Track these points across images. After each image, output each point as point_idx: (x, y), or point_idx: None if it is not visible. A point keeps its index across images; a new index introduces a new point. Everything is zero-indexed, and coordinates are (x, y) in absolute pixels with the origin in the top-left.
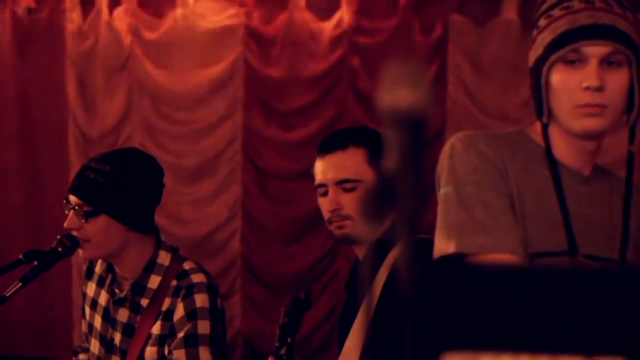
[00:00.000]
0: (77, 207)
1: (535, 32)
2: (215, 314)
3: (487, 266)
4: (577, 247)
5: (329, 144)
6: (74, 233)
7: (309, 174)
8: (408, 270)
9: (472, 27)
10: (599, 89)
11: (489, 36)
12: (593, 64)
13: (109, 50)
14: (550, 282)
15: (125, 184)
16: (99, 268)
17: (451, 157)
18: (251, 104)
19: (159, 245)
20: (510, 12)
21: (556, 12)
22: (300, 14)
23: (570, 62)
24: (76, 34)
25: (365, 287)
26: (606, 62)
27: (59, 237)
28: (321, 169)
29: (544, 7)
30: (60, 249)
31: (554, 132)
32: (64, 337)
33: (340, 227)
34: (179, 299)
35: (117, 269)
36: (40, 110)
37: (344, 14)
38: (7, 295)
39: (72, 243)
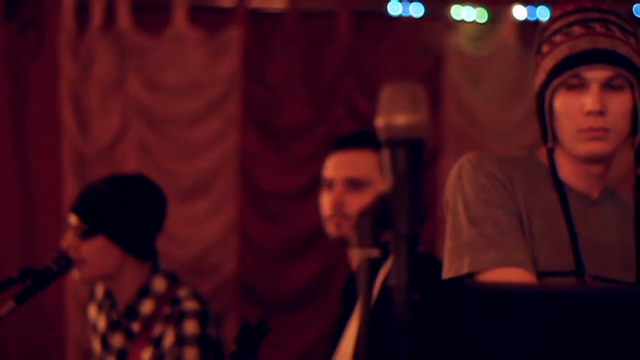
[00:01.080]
0: (75, 226)
1: (538, 58)
2: (205, 342)
3: (488, 289)
4: (584, 268)
5: (347, 141)
6: (71, 253)
7: (305, 193)
8: (406, 291)
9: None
10: (601, 113)
11: (485, 56)
12: (594, 89)
13: (104, 69)
14: (555, 305)
15: (125, 207)
16: (99, 291)
17: (459, 178)
18: (247, 123)
19: (155, 270)
20: (507, 32)
21: (557, 38)
22: (297, 32)
23: (572, 87)
24: (71, 53)
25: (359, 299)
26: (608, 86)
27: (53, 255)
28: (333, 164)
29: (546, 33)
30: (54, 268)
31: (560, 156)
32: (57, 356)
33: (338, 225)
34: (170, 326)
35: (112, 292)
36: (34, 128)
37: (340, 34)
38: (0, 315)
39: (66, 262)
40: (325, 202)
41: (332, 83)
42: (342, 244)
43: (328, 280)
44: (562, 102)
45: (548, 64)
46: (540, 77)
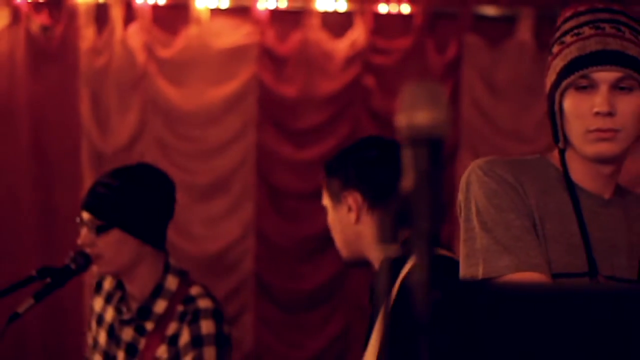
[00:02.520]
0: (88, 223)
1: (549, 58)
2: (221, 341)
3: (505, 289)
4: (597, 268)
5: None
6: (87, 250)
7: (322, 193)
8: (426, 290)
9: (487, 47)
10: (610, 114)
11: (503, 56)
12: (603, 90)
13: (123, 68)
14: (574, 304)
15: (135, 197)
16: (108, 284)
17: (470, 184)
18: (265, 123)
19: (167, 269)
20: (524, 32)
21: (568, 39)
22: (315, 33)
23: (581, 88)
24: (90, 52)
25: (380, 304)
26: (617, 88)
27: (72, 254)
28: None
29: (557, 34)
30: (73, 266)
31: (571, 157)
32: (76, 354)
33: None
34: (185, 325)
35: (127, 287)
36: (53, 128)
37: (358, 33)
38: (19, 312)
39: (85, 260)
40: None
41: (349, 82)
42: (350, 265)
43: (345, 279)
44: (571, 103)
45: (558, 64)
46: (551, 77)
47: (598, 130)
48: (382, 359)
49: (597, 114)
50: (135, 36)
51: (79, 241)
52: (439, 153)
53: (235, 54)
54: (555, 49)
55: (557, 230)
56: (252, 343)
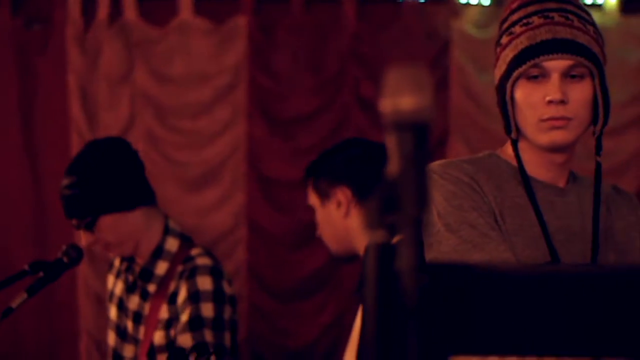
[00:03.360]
0: (79, 226)
1: (498, 50)
2: (220, 297)
3: (492, 270)
4: (558, 258)
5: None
6: (97, 247)
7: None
8: (414, 273)
9: (476, 32)
10: (562, 102)
11: (492, 40)
12: (555, 78)
13: (111, 61)
14: (555, 284)
15: (99, 180)
16: (118, 261)
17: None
18: (254, 113)
19: (167, 231)
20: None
21: (517, 29)
22: (302, 21)
23: (533, 78)
24: (78, 46)
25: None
26: (568, 76)
27: (64, 247)
28: None
29: (505, 25)
30: (65, 260)
31: (523, 148)
32: (70, 347)
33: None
34: (182, 281)
35: (134, 256)
36: (43, 122)
37: (346, 21)
38: (13, 306)
39: (77, 253)
40: None
41: (338, 71)
42: (338, 262)
43: (337, 268)
44: (523, 93)
45: (508, 55)
46: (501, 68)
47: (551, 118)
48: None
49: (550, 102)
50: (122, 29)
51: (83, 245)
52: (425, 138)
53: (223, 45)
54: (504, 39)
55: (516, 224)
56: (245, 332)
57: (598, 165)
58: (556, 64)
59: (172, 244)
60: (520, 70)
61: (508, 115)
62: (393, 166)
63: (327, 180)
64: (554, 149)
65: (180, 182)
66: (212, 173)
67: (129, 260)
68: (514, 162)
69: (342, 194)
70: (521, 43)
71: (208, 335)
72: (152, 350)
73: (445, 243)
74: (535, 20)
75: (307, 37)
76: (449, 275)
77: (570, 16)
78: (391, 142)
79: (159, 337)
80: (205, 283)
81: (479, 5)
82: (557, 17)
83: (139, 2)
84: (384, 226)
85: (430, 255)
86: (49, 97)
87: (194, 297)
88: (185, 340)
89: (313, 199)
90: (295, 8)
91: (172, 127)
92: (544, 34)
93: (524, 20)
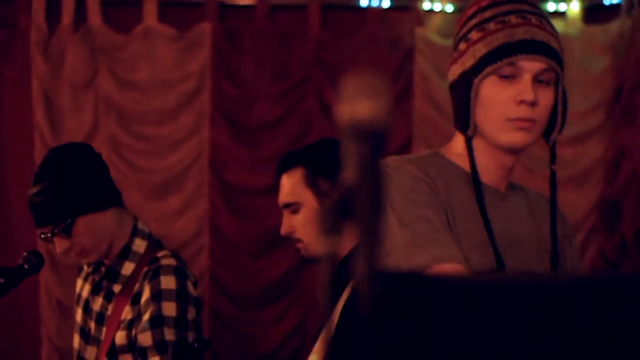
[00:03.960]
0: (54, 233)
1: (462, 44)
2: (183, 297)
3: (449, 279)
4: (504, 265)
5: (278, 166)
6: (73, 255)
7: (276, 189)
8: (369, 282)
9: (439, 39)
10: (533, 104)
11: None
12: (527, 79)
13: (75, 67)
14: (516, 295)
15: (70, 181)
16: (86, 265)
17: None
18: (218, 120)
19: (135, 232)
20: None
21: (491, 26)
22: (266, 28)
23: (504, 76)
24: (42, 51)
25: (325, 307)
26: (537, 80)
27: (25, 254)
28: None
29: (474, 20)
30: (26, 266)
31: (474, 148)
32: (32, 354)
33: (298, 250)
34: (146, 282)
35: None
36: (6, 128)
37: (311, 28)
38: None
39: (38, 259)
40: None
41: (302, 77)
42: (309, 262)
43: (300, 275)
44: (492, 90)
45: (479, 50)
46: (467, 63)
47: (519, 119)
48: (328, 354)
49: (522, 102)
50: (87, 35)
51: (59, 253)
52: (381, 146)
53: (187, 51)
54: (474, 35)
55: (465, 228)
56: (208, 339)
57: (553, 174)
58: (531, 65)
59: (139, 245)
60: (494, 66)
61: (468, 111)
62: (349, 173)
63: (328, 178)
64: (512, 150)
65: (144, 189)
66: (175, 180)
67: (96, 261)
68: (460, 163)
69: None
70: (497, 40)
71: (169, 334)
72: (113, 351)
73: (398, 237)
74: (513, 19)
75: (271, 44)
76: (404, 285)
77: (543, 21)
78: (347, 149)
79: (120, 337)
80: (168, 282)
81: (443, 12)
82: (534, 20)
83: (104, 8)
84: (339, 233)
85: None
86: (12, 103)
87: (157, 295)
88: (145, 338)
89: (303, 195)
90: (259, 15)
91: (135, 134)
92: (522, 34)
93: (500, 18)
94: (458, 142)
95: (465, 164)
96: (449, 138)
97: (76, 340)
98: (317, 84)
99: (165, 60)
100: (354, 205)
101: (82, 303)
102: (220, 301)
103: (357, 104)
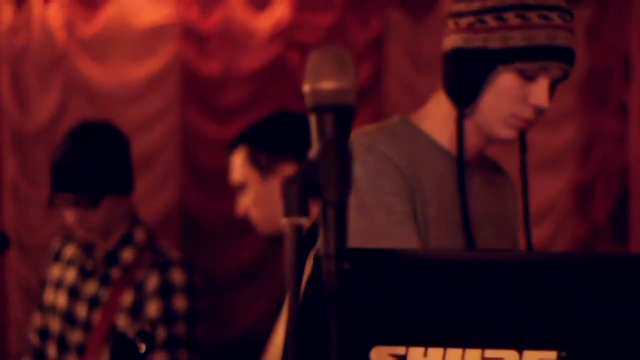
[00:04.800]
0: (73, 202)
1: (492, 19)
2: (192, 291)
3: (416, 256)
4: (475, 245)
5: (227, 146)
6: (78, 230)
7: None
8: (335, 259)
9: (411, 22)
10: (542, 110)
11: (427, 31)
12: (545, 84)
13: (43, 46)
14: (481, 272)
15: (108, 158)
16: (71, 251)
17: (355, 159)
18: (188, 101)
19: (136, 221)
20: (449, 6)
21: (534, 18)
22: (238, 9)
23: (525, 74)
24: (8, 31)
25: (286, 281)
26: (550, 84)
27: None
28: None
29: (511, 1)
30: None
31: (453, 124)
32: None
33: (256, 230)
34: (154, 272)
35: (98, 243)
36: None
37: (282, 9)
38: None
39: (3, 242)
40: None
41: (274, 58)
42: (270, 242)
43: (271, 258)
44: (510, 84)
45: (516, 39)
46: (493, 42)
47: (524, 120)
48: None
49: (536, 107)
50: (54, 14)
51: (69, 224)
52: (347, 121)
53: (157, 32)
54: (512, 18)
55: (438, 210)
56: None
57: (524, 165)
58: (555, 73)
59: (140, 234)
60: (527, 65)
61: (477, 91)
62: (314, 149)
63: (268, 153)
64: (503, 142)
65: None
66: (144, 162)
67: (86, 246)
68: (433, 134)
69: (290, 169)
70: (538, 38)
71: (180, 328)
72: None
73: (354, 224)
74: (555, 18)
75: (242, 24)
76: (371, 262)
77: (572, 25)
78: (312, 125)
79: (123, 321)
80: (179, 276)
81: None
82: (569, 21)
83: None
84: (303, 210)
85: None
86: None
87: (166, 289)
88: (161, 332)
89: (247, 173)
90: None
91: (104, 114)
92: (561, 40)
93: (544, 13)
94: (439, 110)
95: (441, 136)
96: None
97: (56, 324)
98: (289, 65)
99: (135, 40)
100: (316, 181)
101: (65, 288)
102: None
103: (322, 78)
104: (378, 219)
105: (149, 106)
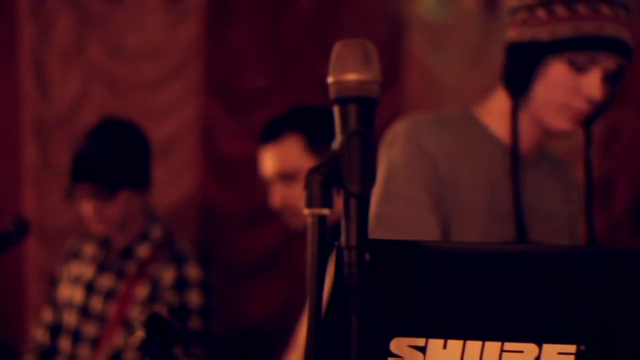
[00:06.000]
0: (91, 194)
1: (542, 12)
2: (208, 287)
3: (439, 248)
4: (526, 236)
5: (265, 133)
6: (96, 222)
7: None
8: (357, 250)
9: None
10: (596, 102)
11: (448, 24)
12: (598, 76)
13: (65, 34)
14: (502, 265)
15: (128, 152)
16: (90, 249)
17: (390, 146)
18: (208, 88)
19: (153, 218)
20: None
21: (582, 9)
22: None
23: (576, 65)
24: (31, 17)
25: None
26: (604, 76)
27: (10, 221)
28: (263, 162)
29: None
30: (11, 235)
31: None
32: (16, 325)
33: (289, 221)
34: (170, 266)
35: (115, 238)
36: None
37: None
38: None
39: (23, 227)
40: (271, 197)
41: (294, 49)
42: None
43: (290, 246)
44: (561, 74)
45: (564, 31)
46: (543, 34)
47: (578, 112)
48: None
49: (590, 99)
50: (77, 1)
51: (86, 216)
52: (371, 113)
53: (178, 19)
54: (561, 10)
55: (483, 200)
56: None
57: (588, 160)
58: (606, 63)
59: (157, 230)
60: (576, 55)
61: (529, 81)
62: (337, 140)
63: (326, 143)
64: (559, 135)
65: None
66: (164, 149)
67: (104, 242)
68: (493, 126)
69: None
70: (586, 29)
71: (195, 322)
72: (128, 325)
73: (375, 208)
74: (605, 9)
75: (263, 14)
76: (393, 253)
77: (625, 16)
78: (336, 115)
79: (137, 313)
80: (193, 271)
81: None
82: (621, 12)
83: None
84: (326, 201)
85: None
86: None
87: (182, 284)
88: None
89: (303, 162)
90: None
91: (125, 101)
92: (610, 30)
93: (592, 5)
94: (498, 103)
95: (498, 128)
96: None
97: (72, 318)
98: (309, 56)
99: (156, 28)
100: (339, 172)
101: (82, 283)
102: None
103: (346, 71)
104: (397, 210)
105: (169, 92)
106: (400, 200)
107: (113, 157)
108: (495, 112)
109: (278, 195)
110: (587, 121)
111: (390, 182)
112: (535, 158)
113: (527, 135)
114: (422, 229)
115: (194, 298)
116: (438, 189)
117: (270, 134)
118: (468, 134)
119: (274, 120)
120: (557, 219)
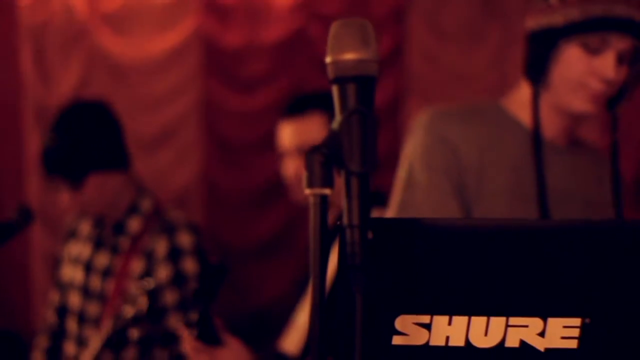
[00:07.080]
0: (63, 184)
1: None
2: (201, 253)
3: (441, 225)
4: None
5: (291, 108)
6: (75, 209)
7: (270, 142)
8: (359, 230)
9: None
10: (611, 82)
11: (448, 2)
12: (612, 57)
13: (65, 21)
14: (506, 240)
15: (87, 137)
16: (86, 228)
17: (414, 135)
18: (210, 73)
19: (142, 191)
20: None
21: None
22: None
23: (589, 47)
24: (30, 5)
25: (310, 252)
26: (618, 57)
27: (15, 209)
28: (283, 134)
29: None
30: (16, 222)
31: (541, 104)
32: (22, 310)
33: (299, 197)
34: (161, 238)
35: (105, 214)
36: None
37: None
38: None
39: (27, 215)
40: (285, 173)
41: (296, 30)
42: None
43: (295, 228)
44: (577, 58)
45: (573, 14)
46: (556, 20)
47: (594, 92)
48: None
49: (606, 80)
50: None
51: (64, 208)
52: (370, 92)
53: (179, 4)
54: None
55: (508, 183)
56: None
57: (615, 143)
58: (618, 44)
59: (147, 203)
60: (586, 37)
61: (545, 67)
62: (336, 119)
63: None
64: (580, 117)
65: (136, 143)
66: (168, 134)
67: (98, 220)
68: (520, 114)
69: None
70: (595, 11)
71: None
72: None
73: (398, 195)
74: None
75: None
76: (395, 231)
77: None
78: (335, 95)
79: (133, 289)
80: (185, 239)
81: None
82: None
83: None
84: (327, 181)
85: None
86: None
87: (175, 253)
88: (166, 298)
89: None
90: None
91: (127, 88)
92: (620, 11)
93: None
94: (523, 91)
95: (525, 116)
96: (445, 92)
97: (76, 299)
98: (310, 36)
99: (156, 13)
100: (340, 152)
101: (82, 263)
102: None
103: (344, 50)
104: (417, 196)
105: (171, 78)
106: (421, 186)
107: (73, 146)
108: (519, 101)
109: (293, 168)
110: (610, 103)
111: (411, 169)
112: (566, 145)
113: (552, 122)
114: (445, 213)
115: (189, 265)
116: (458, 175)
117: (296, 108)
118: (494, 122)
119: (301, 96)
120: (587, 206)
